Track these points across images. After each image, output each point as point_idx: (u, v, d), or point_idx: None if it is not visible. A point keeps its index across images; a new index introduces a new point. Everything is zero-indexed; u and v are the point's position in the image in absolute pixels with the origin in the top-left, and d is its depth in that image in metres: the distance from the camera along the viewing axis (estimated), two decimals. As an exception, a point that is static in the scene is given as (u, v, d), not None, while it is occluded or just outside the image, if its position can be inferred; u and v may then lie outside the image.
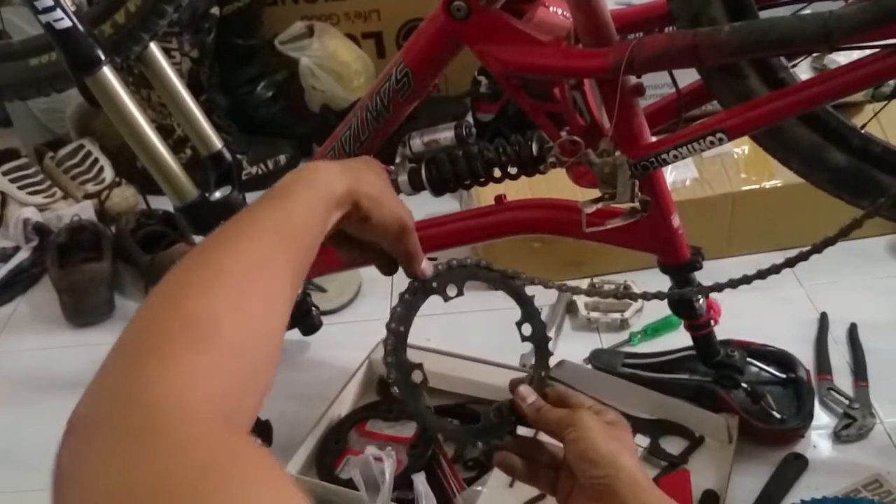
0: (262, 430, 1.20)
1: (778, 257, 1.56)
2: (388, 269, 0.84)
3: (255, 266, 0.58)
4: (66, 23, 1.06)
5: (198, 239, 1.43)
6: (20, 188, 1.89)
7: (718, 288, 0.99)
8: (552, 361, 1.30)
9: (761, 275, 0.94)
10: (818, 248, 0.91)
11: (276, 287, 0.59)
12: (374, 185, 0.74)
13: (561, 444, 0.80)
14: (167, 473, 0.41)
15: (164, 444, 0.43)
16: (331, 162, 0.74)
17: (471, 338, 1.45)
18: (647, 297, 1.03)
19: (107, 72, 1.10)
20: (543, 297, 1.57)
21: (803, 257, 0.91)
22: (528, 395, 0.84)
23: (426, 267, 0.86)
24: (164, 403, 0.45)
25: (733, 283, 0.97)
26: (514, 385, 0.87)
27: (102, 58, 1.10)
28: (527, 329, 0.90)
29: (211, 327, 0.51)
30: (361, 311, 1.57)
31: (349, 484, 1.10)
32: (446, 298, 0.91)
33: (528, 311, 0.92)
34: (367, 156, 0.85)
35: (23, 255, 1.77)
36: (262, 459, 0.45)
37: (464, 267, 0.91)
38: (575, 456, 0.77)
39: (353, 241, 0.79)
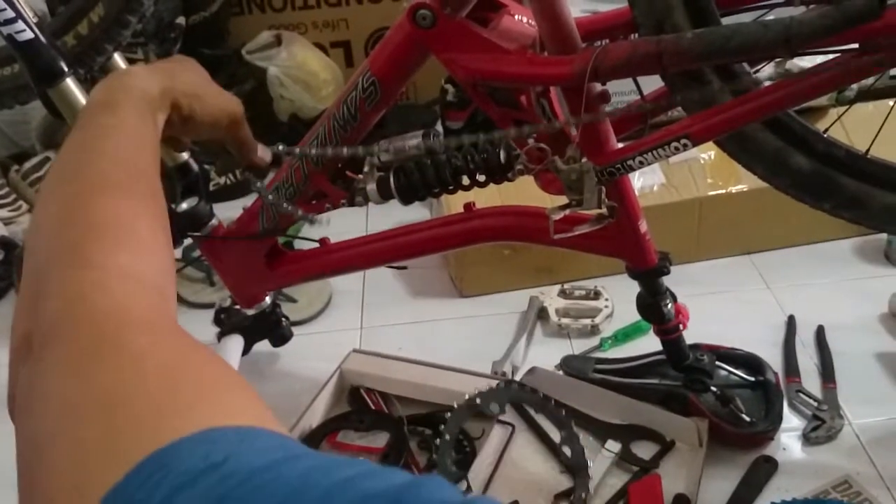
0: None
1: (745, 261, 1.60)
2: (231, 164, 0.84)
3: (126, 170, 0.59)
4: (28, 34, 1.05)
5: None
6: (-16, 202, 1.87)
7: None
8: (524, 369, 1.32)
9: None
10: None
11: (151, 191, 0.60)
12: (191, 82, 0.74)
13: None
14: (130, 381, 0.41)
15: (121, 356, 0.43)
16: (139, 66, 0.73)
17: (444, 346, 1.45)
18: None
19: (70, 83, 1.09)
20: (514, 303, 1.59)
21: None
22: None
23: (263, 153, 0.86)
24: (108, 311, 0.46)
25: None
26: None
27: (65, 69, 1.09)
28: (566, 451, 0.92)
29: (122, 226, 0.53)
30: (332, 322, 1.56)
31: (321, 495, 1.09)
32: (491, 415, 1.01)
33: (568, 435, 0.93)
34: (180, 55, 0.83)
35: (-12, 269, 1.75)
36: (217, 366, 0.46)
37: (507, 388, 0.93)
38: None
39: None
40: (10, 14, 1.04)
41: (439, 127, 1.98)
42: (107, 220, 0.53)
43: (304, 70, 2.04)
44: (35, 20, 1.07)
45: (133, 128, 0.64)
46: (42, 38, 1.07)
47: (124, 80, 0.69)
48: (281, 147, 0.92)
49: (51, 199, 0.56)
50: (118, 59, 1.21)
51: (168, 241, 0.58)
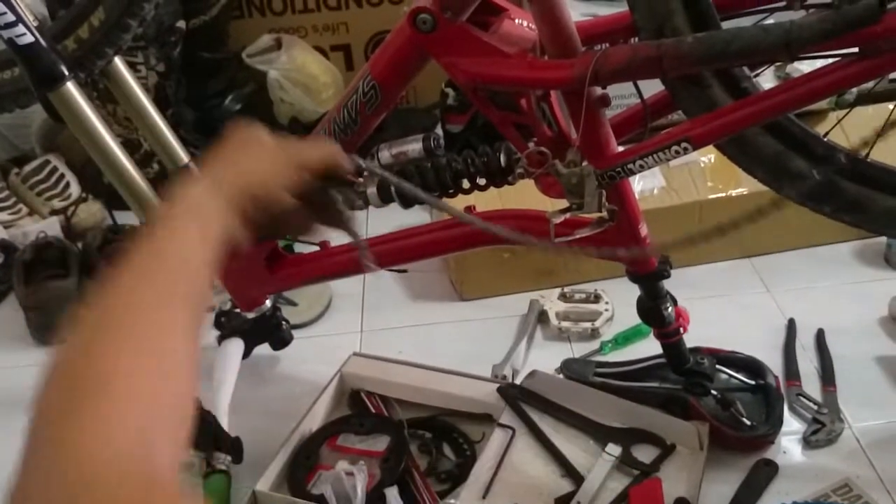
0: (233, 447, 1.19)
1: (745, 264, 1.60)
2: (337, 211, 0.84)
3: (149, 311, 0.59)
4: (29, 38, 1.06)
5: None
6: (-16, 205, 1.87)
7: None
8: (524, 372, 1.31)
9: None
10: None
11: (173, 328, 0.59)
12: (254, 170, 0.74)
13: None
14: None
15: None
16: (201, 186, 0.72)
17: (444, 349, 1.45)
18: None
19: (70, 87, 1.10)
20: (514, 307, 1.59)
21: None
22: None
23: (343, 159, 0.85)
24: (79, 479, 0.46)
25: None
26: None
27: (66, 73, 1.09)
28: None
29: (107, 382, 0.52)
30: (332, 325, 1.56)
31: (321, 500, 1.09)
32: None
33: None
34: (237, 129, 0.83)
35: (-13, 272, 1.74)
36: None
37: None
38: None
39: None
40: (11, 18, 1.05)
41: (439, 130, 1.98)
42: (90, 380, 0.52)
43: (304, 73, 2.04)
44: (35, 24, 1.07)
45: (177, 248, 0.65)
46: (42, 42, 1.07)
47: (183, 194, 0.70)
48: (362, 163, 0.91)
49: (59, 348, 0.56)
50: (118, 62, 1.21)
51: (173, 379, 0.57)
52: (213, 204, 0.70)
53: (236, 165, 0.74)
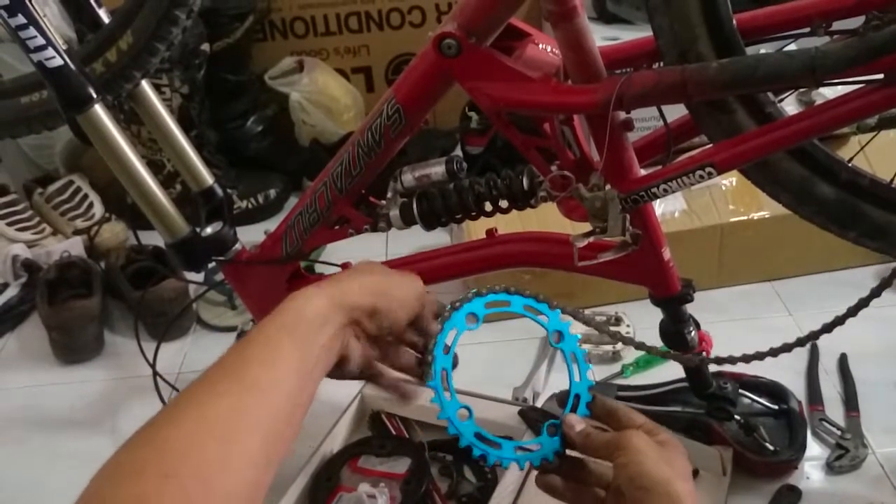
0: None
1: (767, 288, 1.59)
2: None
3: (200, 430, 0.58)
4: (58, 61, 1.07)
5: (189, 275, 1.43)
6: (9, 224, 1.88)
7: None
8: (545, 395, 1.31)
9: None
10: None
11: (227, 447, 0.58)
12: (369, 282, 0.76)
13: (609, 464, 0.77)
14: None
15: None
16: (311, 287, 0.73)
17: (464, 371, 1.44)
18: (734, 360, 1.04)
19: (98, 110, 1.10)
20: (534, 329, 1.57)
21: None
22: (577, 423, 0.82)
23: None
24: None
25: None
26: (525, 416, 0.86)
27: (94, 96, 1.10)
28: None
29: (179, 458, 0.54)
30: (353, 346, 1.56)
31: (342, 521, 1.09)
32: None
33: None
34: (360, 264, 0.85)
35: (11, 291, 1.76)
36: None
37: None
38: (626, 481, 0.74)
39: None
40: (41, 41, 1.06)
41: (458, 151, 1.99)
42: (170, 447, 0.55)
43: (325, 95, 2.06)
44: (64, 47, 1.08)
45: (259, 359, 0.64)
46: (71, 65, 1.08)
47: (281, 306, 0.70)
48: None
49: (106, 463, 0.56)
50: (145, 85, 1.22)
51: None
52: (315, 311, 0.70)
53: (349, 283, 0.74)
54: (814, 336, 0.98)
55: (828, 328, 0.97)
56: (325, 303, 0.70)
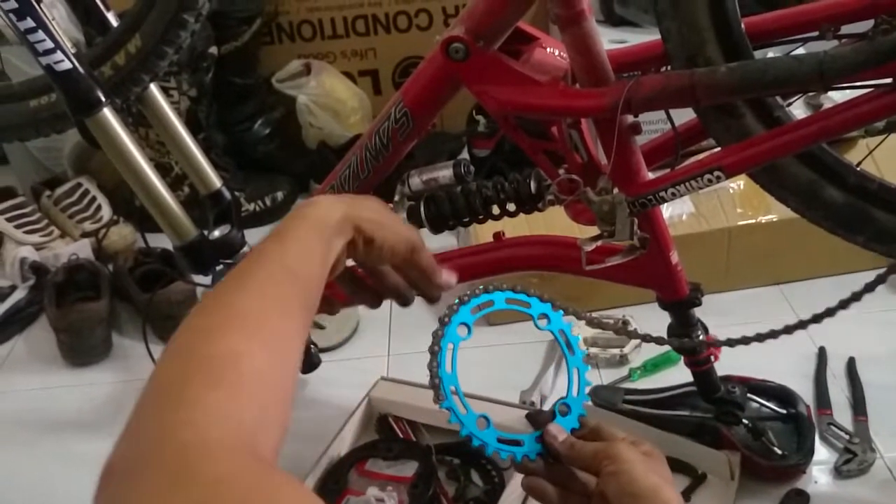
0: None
1: (775, 291, 1.58)
2: (406, 300, 0.86)
3: (265, 305, 0.63)
4: (67, 65, 1.07)
5: (196, 278, 1.43)
6: (17, 227, 1.89)
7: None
8: (552, 398, 1.31)
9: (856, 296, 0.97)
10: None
11: (285, 323, 0.63)
12: (373, 209, 0.77)
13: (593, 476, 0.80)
14: None
15: (200, 483, 0.46)
16: (327, 195, 0.77)
17: (470, 374, 1.44)
18: (731, 343, 1.06)
19: (107, 113, 1.11)
20: (542, 332, 1.57)
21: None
22: (559, 432, 0.84)
23: (448, 278, 0.87)
24: (192, 444, 0.48)
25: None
26: (533, 420, 0.87)
27: (102, 99, 1.10)
28: None
29: (228, 364, 0.56)
30: (360, 348, 1.57)
31: (349, 525, 1.09)
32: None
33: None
34: (363, 196, 0.87)
35: (20, 294, 1.77)
36: (293, 488, 0.49)
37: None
38: (616, 489, 0.76)
39: (359, 282, 0.83)
40: (50, 45, 1.06)
41: (465, 154, 1.99)
42: (213, 359, 0.56)
43: (332, 98, 2.06)
44: (73, 51, 1.09)
45: (296, 253, 0.69)
46: (80, 69, 1.08)
47: (305, 209, 0.73)
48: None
49: (183, 328, 0.60)
50: (154, 88, 1.23)
51: (284, 372, 0.61)
52: (332, 207, 0.74)
53: (362, 205, 0.77)
54: (802, 325, 1.05)
55: (817, 318, 1.02)
56: (342, 216, 0.73)
